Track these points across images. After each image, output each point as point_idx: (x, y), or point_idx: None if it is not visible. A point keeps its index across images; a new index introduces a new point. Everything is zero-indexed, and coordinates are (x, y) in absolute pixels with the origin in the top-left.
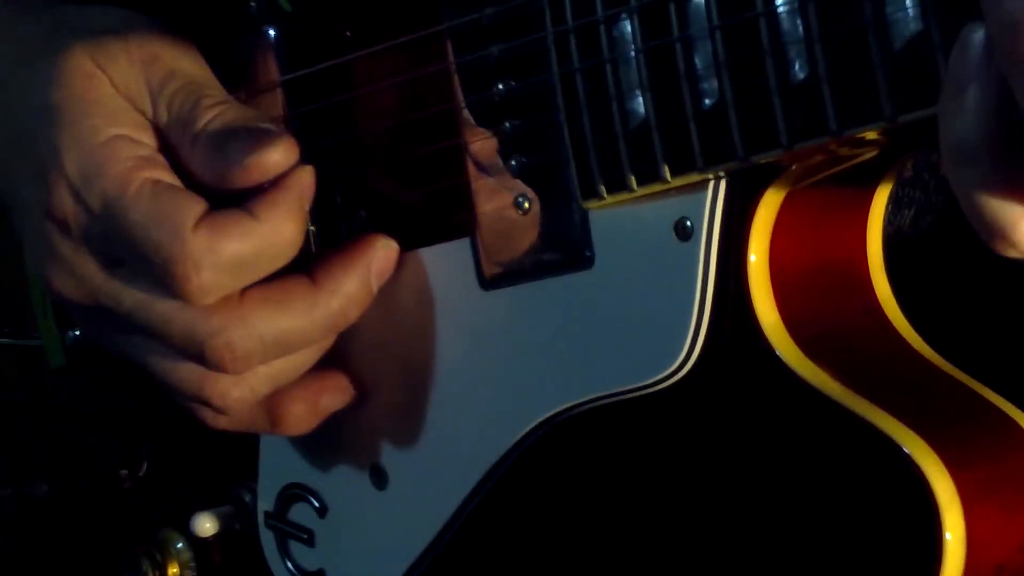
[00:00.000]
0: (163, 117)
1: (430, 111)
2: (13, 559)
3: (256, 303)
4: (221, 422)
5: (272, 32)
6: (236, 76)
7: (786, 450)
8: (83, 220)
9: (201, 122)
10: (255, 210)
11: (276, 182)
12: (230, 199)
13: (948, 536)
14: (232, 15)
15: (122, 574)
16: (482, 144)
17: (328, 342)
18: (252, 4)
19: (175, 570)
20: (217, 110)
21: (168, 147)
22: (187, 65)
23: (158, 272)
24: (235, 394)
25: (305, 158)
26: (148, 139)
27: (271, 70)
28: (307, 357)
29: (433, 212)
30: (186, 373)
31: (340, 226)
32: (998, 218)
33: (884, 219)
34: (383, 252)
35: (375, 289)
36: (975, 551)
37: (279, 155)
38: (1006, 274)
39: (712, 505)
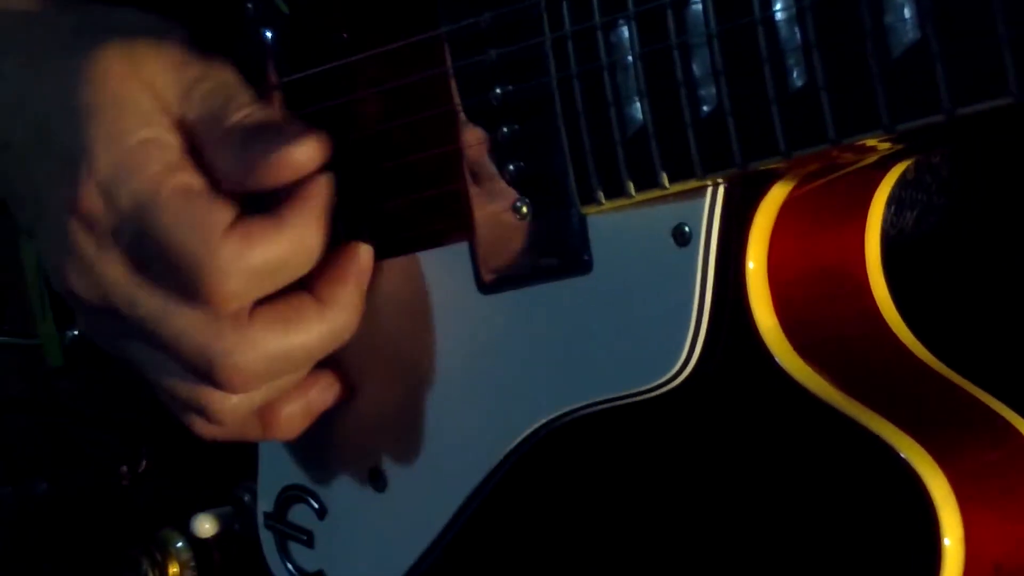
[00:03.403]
0: (192, 115)
1: (428, 115)
2: (13, 557)
3: (266, 322)
4: (212, 431)
5: (269, 34)
6: None
7: (784, 456)
8: (112, 219)
9: (231, 119)
10: (282, 216)
11: (300, 188)
12: (256, 205)
13: (947, 541)
14: (229, 17)
15: (122, 574)
16: (480, 149)
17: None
18: (249, 6)
19: (175, 569)
20: (248, 110)
21: (194, 147)
22: (218, 69)
23: (185, 277)
24: (233, 402)
25: None
26: (177, 142)
27: (268, 72)
28: (307, 369)
29: (431, 216)
30: (188, 385)
31: (338, 227)
32: None
33: (886, 221)
34: (367, 258)
35: (364, 294)
36: (973, 553)
37: (303, 154)
38: (1010, 275)
39: (710, 510)
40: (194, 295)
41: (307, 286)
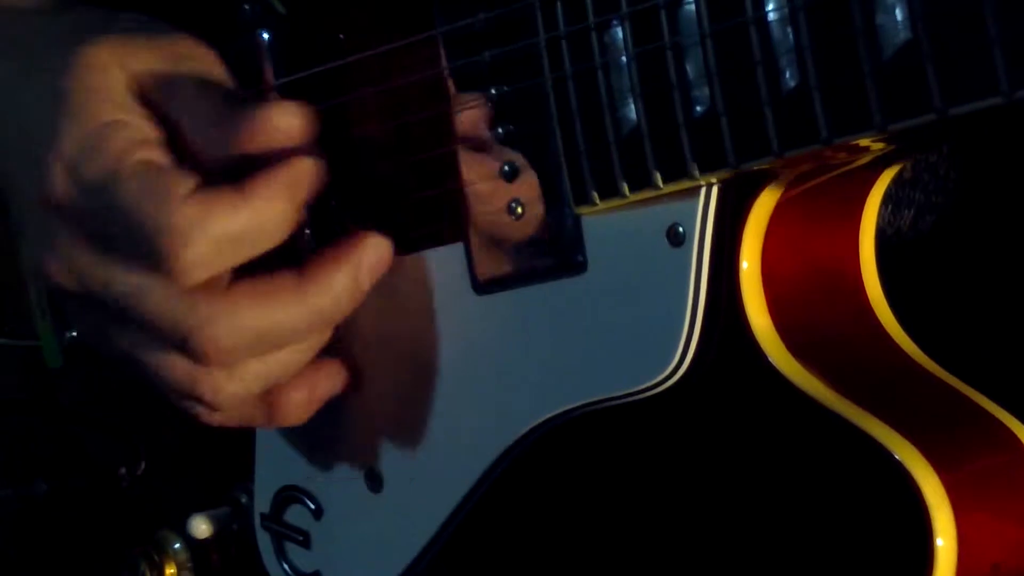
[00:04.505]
0: (180, 99)
1: (424, 115)
2: (12, 559)
3: (242, 296)
4: (216, 418)
5: (266, 35)
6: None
7: (778, 456)
8: (76, 197)
9: (216, 102)
10: (246, 187)
11: (273, 164)
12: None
13: (940, 542)
14: (226, 18)
15: (120, 574)
16: (475, 149)
17: (320, 340)
18: (246, 7)
19: (172, 570)
20: (234, 100)
21: (179, 133)
22: (212, 67)
23: (147, 246)
24: (229, 389)
25: None
26: (150, 130)
27: (265, 73)
28: (300, 355)
29: (427, 216)
30: (177, 369)
31: (335, 229)
32: None
33: (883, 220)
34: (373, 249)
35: (366, 286)
36: (967, 553)
37: (283, 116)
38: (1008, 275)
39: (704, 510)
40: (158, 263)
41: (300, 265)
